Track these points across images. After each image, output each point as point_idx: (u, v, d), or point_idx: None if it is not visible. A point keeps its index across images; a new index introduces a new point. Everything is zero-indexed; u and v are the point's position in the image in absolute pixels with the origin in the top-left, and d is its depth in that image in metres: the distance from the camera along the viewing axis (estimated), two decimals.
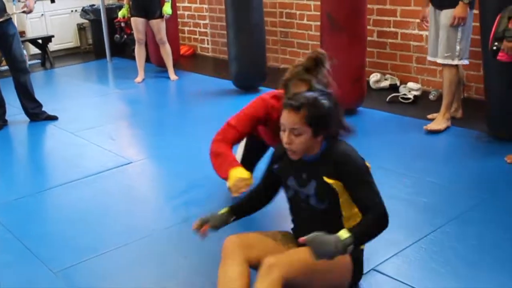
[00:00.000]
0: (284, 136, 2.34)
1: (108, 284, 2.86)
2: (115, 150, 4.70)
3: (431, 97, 5.58)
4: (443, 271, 2.79)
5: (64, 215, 3.71)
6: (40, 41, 8.12)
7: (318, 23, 6.45)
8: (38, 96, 5.48)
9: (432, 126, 4.70)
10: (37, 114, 5.45)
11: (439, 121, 4.73)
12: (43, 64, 8.19)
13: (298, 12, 6.87)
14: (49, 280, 2.92)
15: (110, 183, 4.12)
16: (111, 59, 8.14)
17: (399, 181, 3.85)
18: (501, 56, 3.85)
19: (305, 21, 6.82)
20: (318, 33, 6.49)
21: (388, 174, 3.90)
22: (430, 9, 4.81)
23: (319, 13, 6.38)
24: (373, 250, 2.79)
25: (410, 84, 5.68)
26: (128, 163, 4.39)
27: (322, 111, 2.30)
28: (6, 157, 4.83)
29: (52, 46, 8.20)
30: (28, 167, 4.64)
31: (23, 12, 5.46)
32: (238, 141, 3.35)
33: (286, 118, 2.31)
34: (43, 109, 5.49)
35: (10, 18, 5.28)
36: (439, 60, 4.76)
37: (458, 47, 4.63)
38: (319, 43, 6.49)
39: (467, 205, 3.41)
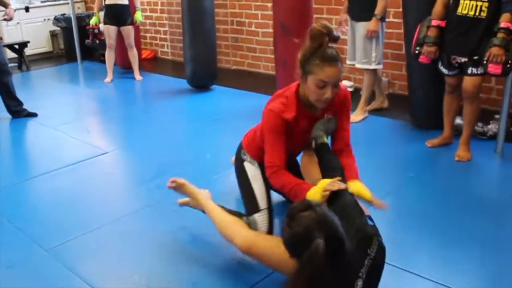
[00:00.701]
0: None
1: (95, 258, 2.82)
2: (91, 142, 4.56)
3: (361, 93, 5.62)
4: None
5: (50, 200, 3.59)
6: (16, 46, 7.78)
7: (265, 30, 6.51)
8: (17, 95, 5.30)
9: (354, 117, 4.72)
10: (18, 111, 5.29)
11: (357, 114, 4.82)
12: (19, 67, 7.86)
13: (247, 21, 6.79)
14: (41, 256, 2.85)
15: (88, 171, 4.01)
16: (81, 62, 7.86)
17: None
18: (422, 59, 3.92)
19: (253, 28, 6.74)
20: (265, 39, 6.56)
21: None
22: (349, 21, 4.84)
23: (265, 21, 6.45)
24: None
25: (345, 82, 5.67)
26: (104, 153, 4.28)
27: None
28: None
29: (27, 51, 7.88)
30: (13, 159, 4.47)
31: (4, 19, 5.32)
32: (285, 159, 2.59)
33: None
34: (24, 106, 5.34)
35: None
36: (358, 65, 4.82)
37: (373, 54, 4.70)
38: (265, 47, 6.57)
39: (397, 182, 3.51)
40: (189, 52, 5.91)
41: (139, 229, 3.09)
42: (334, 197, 2.24)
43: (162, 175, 3.75)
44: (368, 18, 4.59)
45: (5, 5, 5.20)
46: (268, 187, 2.78)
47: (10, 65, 7.78)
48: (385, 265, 2.11)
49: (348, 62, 4.95)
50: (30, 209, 3.46)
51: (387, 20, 5.30)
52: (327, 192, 2.26)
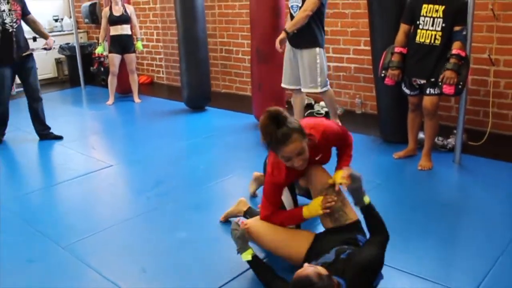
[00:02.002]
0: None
1: (105, 253, 3.01)
2: (97, 156, 4.75)
3: (338, 112, 5.67)
4: None
5: (64, 205, 3.82)
6: None
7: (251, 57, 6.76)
8: (24, 116, 5.35)
9: None
10: (45, 134, 5.29)
11: None
12: None
13: (234, 49, 6.97)
14: (58, 252, 3.03)
15: (96, 182, 4.20)
16: (84, 87, 8.08)
17: None
18: (387, 81, 4.10)
19: (240, 56, 6.93)
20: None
21: None
22: (288, 47, 4.69)
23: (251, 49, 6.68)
24: None
25: (322, 103, 5.85)
26: (108, 166, 4.46)
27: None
28: (12, 164, 4.84)
29: None
30: (31, 171, 4.63)
31: (44, 49, 5.27)
32: (279, 204, 2.78)
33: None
34: (51, 130, 5.35)
35: (32, 53, 5.13)
36: (304, 90, 4.71)
37: (319, 79, 4.62)
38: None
39: (367, 187, 3.43)
40: (185, 78, 6.10)
41: (142, 230, 3.28)
42: None
43: (160, 184, 3.97)
44: (311, 46, 4.53)
45: (46, 36, 5.23)
46: (295, 197, 3.06)
47: (18, 89, 8.04)
48: None
49: (284, 86, 4.87)
50: (47, 213, 3.65)
51: (359, 48, 5.62)
52: (327, 210, 2.56)
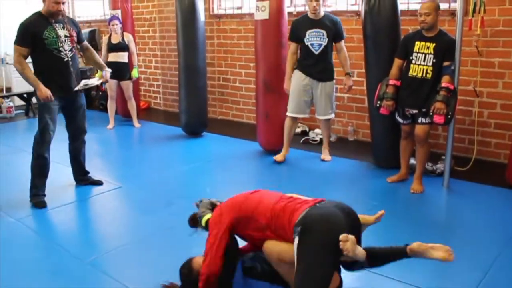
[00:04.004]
0: None
1: (126, 266, 3.23)
2: (105, 178, 4.91)
3: (331, 139, 6.00)
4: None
5: (81, 223, 4.08)
6: (25, 95, 8.20)
7: (248, 85, 7.02)
8: (24, 140, 4.97)
9: (326, 157, 5.31)
10: (85, 180, 4.78)
11: (327, 154, 5.34)
12: (26, 114, 8.23)
13: (232, 77, 7.27)
14: (82, 267, 3.22)
15: (109, 201, 4.44)
16: None
17: (316, 194, 4.38)
18: (382, 111, 4.42)
19: (237, 84, 7.22)
20: (248, 93, 7.05)
21: (311, 188, 4.47)
22: (302, 77, 5.05)
23: (248, 78, 6.98)
24: None
25: (316, 130, 6.16)
26: (118, 188, 4.70)
27: None
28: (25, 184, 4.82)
29: (34, 99, 8.25)
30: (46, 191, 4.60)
31: (101, 82, 4.81)
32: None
33: None
34: (89, 174, 4.85)
35: (84, 89, 4.50)
36: (324, 117, 5.16)
37: (334, 106, 5.23)
38: (248, 100, 7.11)
39: (363, 209, 3.83)
40: (184, 104, 6.38)
41: (160, 247, 3.50)
42: None
43: (170, 205, 4.22)
44: (331, 78, 5.10)
45: (102, 67, 4.65)
46: None
47: (17, 112, 8.23)
48: (364, 272, 2.65)
49: (291, 115, 5.18)
50: (66, 230, 3.88)
51: (352, 79, 5.95)
52: None
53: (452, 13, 4.94)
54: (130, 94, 7.09)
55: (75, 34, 4.30)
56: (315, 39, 4.96)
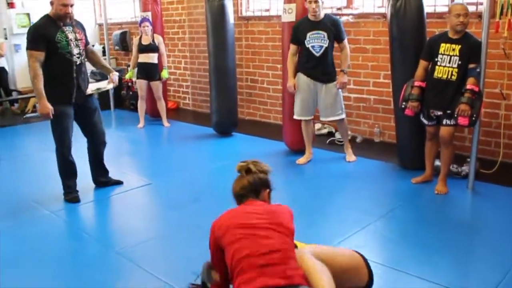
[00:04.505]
0: None
1: (155, 257, 3.39)
2: (136, 175, 5.13)
3: (357, 140, 6.16)
4: (376, 247, 3.49)
5: (111, 216, 4.28)
6: None
7: (275, 86, 7.12)
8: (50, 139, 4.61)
9: (350, 158, 5.37)
10: (105, 182, 4.76)
11: (351, 154, 5.40)
12: None
13: (259, 78, 7.37)
14: (112, 257, 3.40)
15: (139, 197, 4.60)
16: (114, 110, 8.56)
17: (342, 194, 4.47)
18: (407, 112, 4.48)
19: (265, 85, 7.32)
20: (275, 94, 7.15)
21: (337, 188, 4.59)
22: (305, 80, 5.12)
23: (275, 79, 7.08)
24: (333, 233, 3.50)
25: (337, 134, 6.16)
26: (148, 184, 4.86)
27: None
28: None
29: None
30: (80, 185, 4.71)
31: (111, 86, 4.71)
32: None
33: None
34: (109, 175, 4.84)
35: (95, 93, 4.53)
36: (333, 118, 5.21)
37: (342, 106, 5.25)
38: (275, 101, 7.22)
39: (388, 208, 4.05)
40: (214, 104, 6.53)
41: (187, 240, 3.64)
42: None
43: (198, 202, 4.36)
44: (334, 79, 5.11)
45: (109, 71, 4.58)
46: None
47: (32, 114, 8.45)
48: (384, 267, 2.73)
49: (298, 117, 5.28)
50: (99, 223, 4.09)
51: (378, 81, 6.04)
52: None
53: (479, 16, 4.95)
54: (160, 94, 7.25)
55: (84, 37, 4.29)
56: (316, 41, 5.01)
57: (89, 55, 4.50)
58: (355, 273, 2.54)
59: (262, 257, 2.19)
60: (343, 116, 5.27)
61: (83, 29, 4.36)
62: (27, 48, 4.04)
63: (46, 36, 4.02)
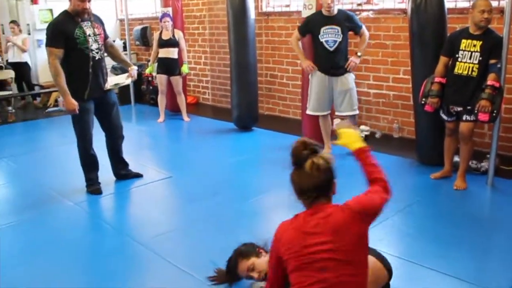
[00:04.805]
0: None
1: (178, 249, 3.47)
2: (157, 168, 5.21)
3: (376, 136, 6.20)
4: (393, 241, 3.53)
5: (132, 208, 4.38)
6: None
7: (294, 82, 7.15)
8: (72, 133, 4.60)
9: None
10: (125, 174, 4.82)
11: None
12: None
13: (279, 74, 7.41)
14: (134, 247, 3.50)
15: (160, 189, 4.69)
16: (134, 105, 8.68)
17: (360, 188, 4.53)
18: (427, 108, 4.48)
19: (284, 80, 7.36)
20: (294, 89, 7.17)
21: (355, 183, 4.61)
22: (319, 76, 5.15)
23: (295, 75, 7.12)
24: None
25: (362, 127, 6.22)
26: (169, 177, 4.94)
27: None
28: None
29: None
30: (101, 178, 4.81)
31: (130, 81, 4.72)
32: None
33: None
34: (129, 167, 4.90)
35: (114, 88, 4.56)
36: (349, 113, 5.21)
37: (356, 101, 5.30)
38: (294, 96, 7.23)
39: (406, 203, 4.07)
40: (235, 99, 6.59)
41: (207, 231, 3.72)
42: None
43: (217, 195, 4.43)
44: (347, 72, 5.14)
45: (128, 65, 4.62)
46: None
47: (53, 108, 8.60)
48: (401, 260, 2.78)
49: (312, 113, 5.32)
50: (121, 214, 4.20)
51: (398, 76, 6.05)
52: None
53: (501, 11, 4.92)
54: (180, 89, 7.33)
55: (103, 32, 4.32)
56: (330, 36, 5.04)
57: (109, 49, 4.54)
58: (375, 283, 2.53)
59: None
60: (357, 112, 5.36)
61: (102, 24, 4.39)
62: (47, 45, 4.10)
63: (65, 32, 4.06)
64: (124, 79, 4.69)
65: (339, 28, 5.05)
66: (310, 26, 5.16)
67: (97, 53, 4.24)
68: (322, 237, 2.09)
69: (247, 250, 2.86)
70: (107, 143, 4.70)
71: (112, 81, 4.57)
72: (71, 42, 4.08)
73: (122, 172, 4.82)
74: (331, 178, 2.19)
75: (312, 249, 2.08)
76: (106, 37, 4.45)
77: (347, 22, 5.09)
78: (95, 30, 4.24)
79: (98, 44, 4.25)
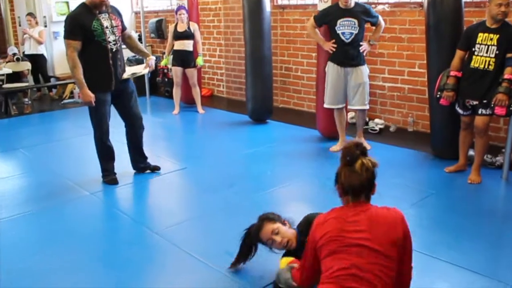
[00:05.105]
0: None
1: (194, 238, 3.52)
2: (171, 159, 5.27)
3: (391, 129, 6.20)
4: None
5: (148, 198, 4.46)
6: None
7: (309, 75, 7.17)
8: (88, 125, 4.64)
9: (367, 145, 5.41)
10: (144, 167, 4.84)
11: (364, 143, 5.39)
12: None
13: (294, 67, 7.43)
14: (150, 236, 3.55)
15: (175, 180, 4.74)
16: (149, 97, 8.75)
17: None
18: (442, 101, 4.49)
19: (299, 73, 7.38)
20: (309, 82, 7.19)
21: None
22: (335, 68, 5.19)
23: (310, 68, 7.13)
24: None
25: (376, 120, 6.29)
26: (184, 168, 5.00)
27: None
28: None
29: None
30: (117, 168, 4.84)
31: (147, 71, 4.69)
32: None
33: None
34: (148, 161, 4.89)
35: (130, 78, 4.57)
36: (359, 107, 5.26)
37: (368, 96, 5.32)
38: (309, 89, 7.27)
39: (421, 196, 4.10)
40: (250, 92, 6.63)
41: (223, 221, 3.78)
42: None
43: (234, 185, 4.48)
44: (364, 62, 5.21)
45: (146, 55, 4.63)
46: None
47: (68, 100, 8.70)
48: (415, 252, 2.79)
49: (329, 106, 5.34)
50: (137, 204, 4.26)
51: (413, 70, 6.04)
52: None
53: None
54: (195, 81, 7.38)
55: (120, 24, 4.34)
56: (346, 28, 5.07)
57: (126, 40, 4.58)
58: None
59: (343, 275, 2.16)
60: (368, 107, 5.38)
61: (120, 15, 4.43)
62: (65, 37, 4.13)
63: (83, 25, 4.09)
64: (141, 69, 4.71)
65: (356, 21, 5.07)
66: (327, 17, 5.18)
67: (114, 45, 4.27)
68: (360, 226, 2.22)
69: (273, 216, 2.98)
70: (127, 135, 4.72)
71: (130, 70, 4.60)
72: (88, 34, 4.11)
73: (141, 165, 4.84)
74: (374, 179, 2.32)
75: (350, 234, 2.21)
76: (124, 28, 4.47)
77: (364, 15, 5.12)
78: (113, 22, 4.27)
79: (116, 36, 4.28)
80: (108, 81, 4.29)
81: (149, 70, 4.64)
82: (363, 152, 2.32)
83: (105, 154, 4.61)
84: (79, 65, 4.13)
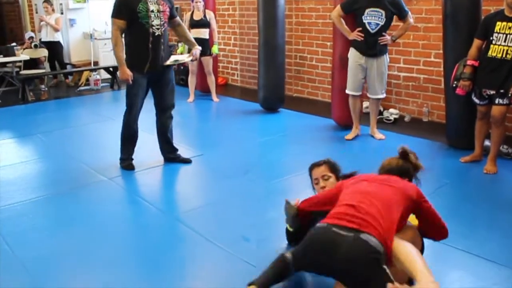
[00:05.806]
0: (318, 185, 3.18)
1: (211, 224, 3.55)
2: (187, 146, 5.27)
3: (406, 119, 6.19)
4: None
5: (165, 184, 4.50)
6: (111, 69, 8.70)
7: (324, 64, 7.16)
8: (110, 110, 5.12)
9: (378, 135, 5.45)
10: (173, 158, 4.82)
11: (378, 132, 5.50)
12: (111, 86, 8.76)
13: (308, 56, 7.43)
14: (167, 221, 3.62)
15: (192, 167, 4.76)
16: None
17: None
18: (458, 91, 4.48)
19: (314, 62, 7.37)
20: (323, 72, 7.19)
21: (375, 166, 4.63)
22: (356, 55, 5.20)
23: (325, 57, 7.12)
24: None
25: (391, 110, 6.26)
26: (200, 155, 5.04)
27: None
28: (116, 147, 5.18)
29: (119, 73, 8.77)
30: (137, 154, 4.88)
31: (190, 60, 4.70)
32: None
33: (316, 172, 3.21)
34: (178, 152, 4.89)
35: (173, 64, 4.65)
36: (376, 96, 5.32)
37: (385, 85, 5.36)
38: (324, 78, 7.26)
39: (436, 186, 4.07)
40: (262, 80, 6.63)
41: (238, 207, 3.81)
42: None
43: (248, 172, 4.52)
44: (386, 51, 5.25)
45: (192, 45, 4.63)
46: None
47: (103, 84, 8.79)
48: (430, 240, 2.84)
49: (351, 92, 5.35)
50: (154, 190, 4.30)
51: (429, 59, 6.01)
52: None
53: None
54: (210, 69, 7.40)
55: (168, 9, 4.39)
56: (373, 18, 5.06)
57: (176, 27, 4.65)
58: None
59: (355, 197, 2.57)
60: (384, 95, 5.40)
61: (169, 1, 4.48)
62: (111, 16, 4.28)
63: (129, 5, 4.21)
64: (185, 58, 4.80)
65: (383, 12, 5.07)
66: (355, 5, 5.16)
67: (157, 29, 4.30)
68: (378, 180, 2.73)
69: (337, 168, 3.32)
70: (157, 123, 4.78)
71: (173, 57, 4.68)
72: (133, 15, 4.21)
73: (170, 155, 4.84)
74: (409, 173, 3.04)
75: (366, 178, 2.76)
76: (173, 15, 4.52)
77: (392, 7, 5.10)
78: (160, 7, 4.33)
79: (161, 21, 4.32)
80: (143, 63, 4.34)
81: (193, 59, 4.66)
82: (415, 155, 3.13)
83: (128, 137, 4.67)
84: (121, 43, 4.29)
